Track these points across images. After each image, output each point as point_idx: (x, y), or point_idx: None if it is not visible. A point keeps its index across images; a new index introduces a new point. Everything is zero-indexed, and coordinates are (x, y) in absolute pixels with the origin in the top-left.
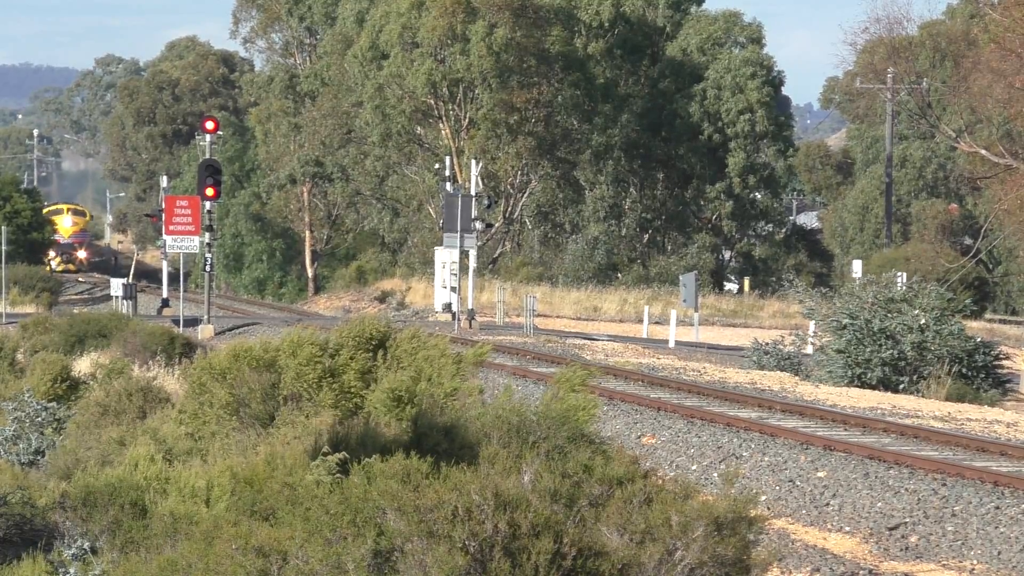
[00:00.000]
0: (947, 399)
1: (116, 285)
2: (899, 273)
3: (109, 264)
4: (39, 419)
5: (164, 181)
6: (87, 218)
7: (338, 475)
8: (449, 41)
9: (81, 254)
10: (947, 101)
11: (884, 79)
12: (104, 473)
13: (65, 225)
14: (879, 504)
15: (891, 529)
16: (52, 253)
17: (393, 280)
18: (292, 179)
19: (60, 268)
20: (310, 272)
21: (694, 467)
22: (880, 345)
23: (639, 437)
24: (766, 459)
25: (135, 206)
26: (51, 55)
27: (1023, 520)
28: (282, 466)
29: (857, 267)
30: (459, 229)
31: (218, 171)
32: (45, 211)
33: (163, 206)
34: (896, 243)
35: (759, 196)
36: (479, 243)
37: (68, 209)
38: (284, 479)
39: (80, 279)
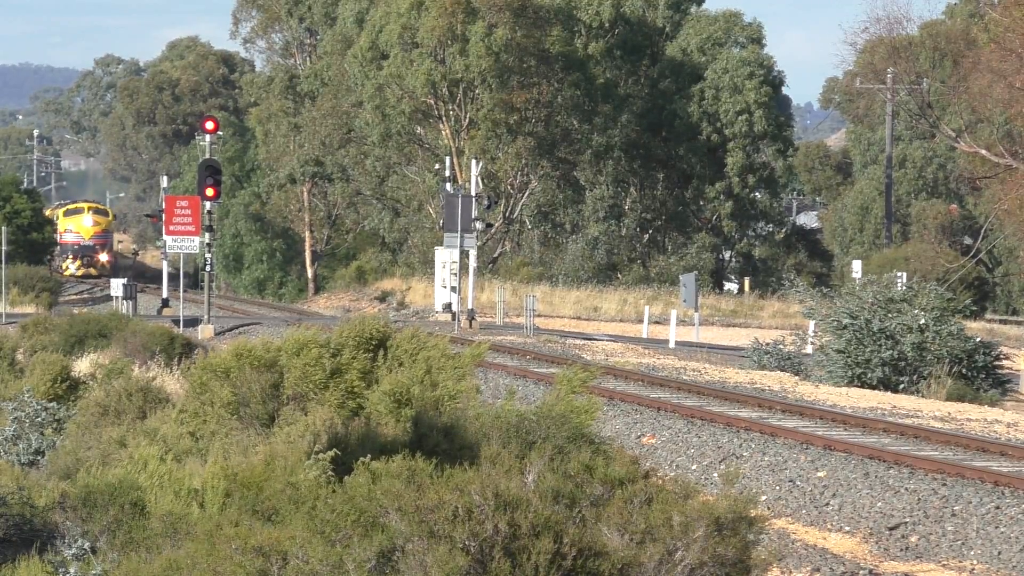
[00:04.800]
0: (947, 399)
1: (116, 285)
2: (899, 273)
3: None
4: (39, 419)
5: (164, 181)
6: (109, 218)
7: (331, 475)
8: (449, 41)
9: (103, 257)
10: (947, 101)
11: (884, 79)
12: (107, 473)
13: (86, 225)
14: (879, 504)
15: (891, 529)
16: (70, 255)
17: (393, 280)
18: (292, 179)
19: (80, 272)
20: (310, 272)
21: (694, 467)
22: (880, 345)
23: (639, 437)
24: (766, 459)
25: (135, 206)
26: (50, 55)
27: (1023, 520)
28: (282, 466)
29: (857, 267)
30: (459, 229)
31: (218, 171)
32: (62, 210)
33: (163, 206)
34: (896, 243)
35: (759, 196)
36: (479, 243)
37: (89, 208)
38: (286, 479)
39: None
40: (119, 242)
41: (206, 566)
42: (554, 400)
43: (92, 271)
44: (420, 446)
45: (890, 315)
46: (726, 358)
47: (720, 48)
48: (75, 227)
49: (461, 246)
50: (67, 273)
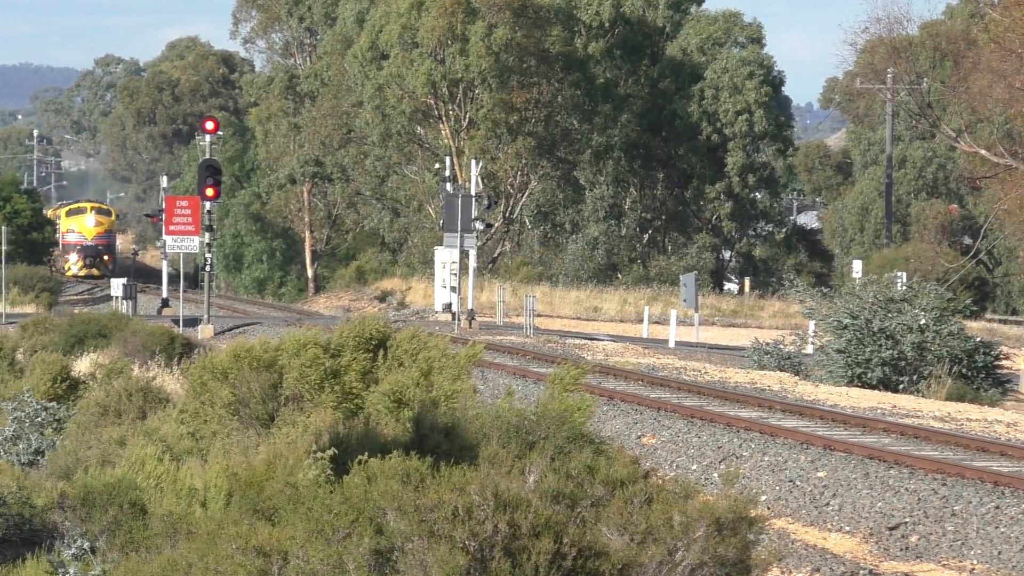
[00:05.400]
0: (947, 399)
1: (116, 285)
2: (899, 273)
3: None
4: (39, 419)
5: (164, 181)
6: (112, 218)
7: (330, 474)
8: (449, 41)
9: (106, 257)
10: (947, 101)
11: (884, 79)
12: (106, 473)
13: (88, 225)
14: (879, 504)
15: (891, 529)
16: (73, 256)
17: (393, 280)
18: (292, 179)
19: (83, 273)
20: (310, 272)
21: (694, 467)
22: (880, 345)
23: (639, 437)
24: (766, 459)
25: (135, 206)
26: (50, 55)
27: (1023, 520)
28: (282, 466)
29: (857, 267)
30: (459, 229)
31: (218, 171)
32: (65, 210)
33: (163, 206)
34: (896, 243)
35: (759, 196)
36: (479, 243)
37: (92, 208)
38: (286, 479)
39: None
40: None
41: (207, 566)
42: (548, 399)
43: (95, 272)
44: (420, 446)
45: (890, 315)
46: (726, 358)
47: (720, 48)
48: (78, 227)
49: (461, 246)
50: (69, 274)
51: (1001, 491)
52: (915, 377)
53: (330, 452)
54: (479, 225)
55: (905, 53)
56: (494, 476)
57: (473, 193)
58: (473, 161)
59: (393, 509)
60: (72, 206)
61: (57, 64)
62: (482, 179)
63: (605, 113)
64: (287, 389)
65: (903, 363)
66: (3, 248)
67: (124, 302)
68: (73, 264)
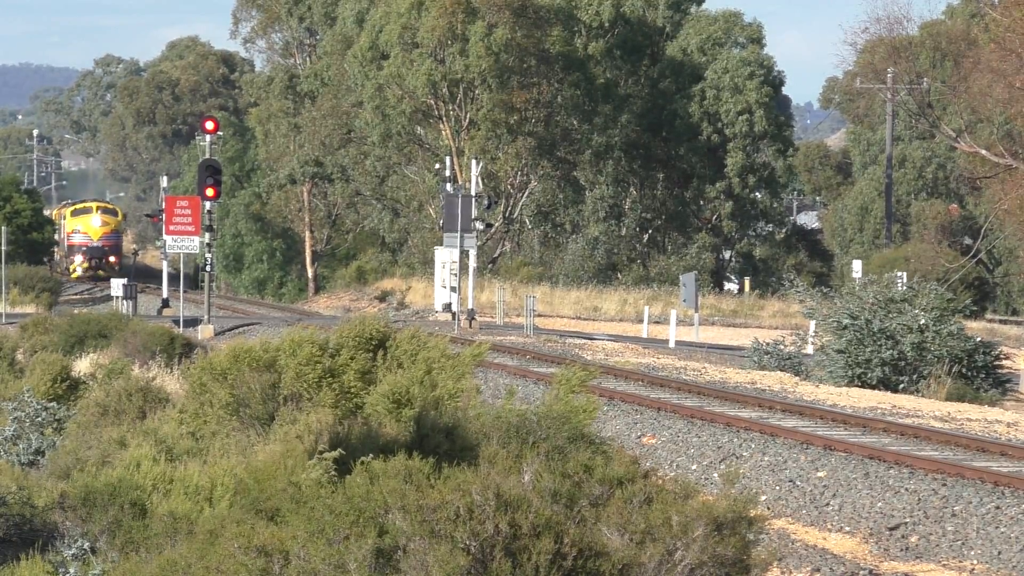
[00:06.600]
0: (947, 399)
1: (116, 285)
2: (899, 273)
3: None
4: (39, 419)
5: (164, 181)
6: (119, 218)
7: (334, 475)
8: (449, 41)
9: (112, 258)
10: (947, 101)
11: (884, 79)
12: (104, 473)
13: (94, 225)
14: (879, 504)
15: (891, 529)
16: (79, 257)
17: (393, 280)
18: (292, 179)
19: (89, 275)
20: (310, 272)
21: (694, 467)
22: (880, 345)
23: (639, 437)
24: (766, 459)
25: (135, 206)
26: (50, 55)
27: (1023, 520)
28: (283, 466)
29: (857, 267)
30: (459, 229)
31: (218, 171)
32: (70, 210)
33: (163, 206)
34: (896, 243)
35: (759, 196)
36: (479, 243)
37: (97, 207)
38: (288, 478)
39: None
40: None
41: (207, 566)
42: (553, 400)
43: (101, 273)
44: (421, 446)
45: (890, 315)
46: (726, 358)
47: (720, 48)
48: (83, 227)
49: (461, 246)
50: (75, 276)
51: (1001, 491)
52: (915, 377)
53: (335, 454)
54: (479, 225)
55: (905, 53)
56: (495, 476)
57: (473, 193)
58: (473, 161)
59: (396, 509)
60: (77, 206)
61: (57, 64)
62: (482, 179)
63: (605, 113)
64: (285, 388)
65: (903, 363)
66: (3, 248)
67: (124, 302)
68: (78, 266)
